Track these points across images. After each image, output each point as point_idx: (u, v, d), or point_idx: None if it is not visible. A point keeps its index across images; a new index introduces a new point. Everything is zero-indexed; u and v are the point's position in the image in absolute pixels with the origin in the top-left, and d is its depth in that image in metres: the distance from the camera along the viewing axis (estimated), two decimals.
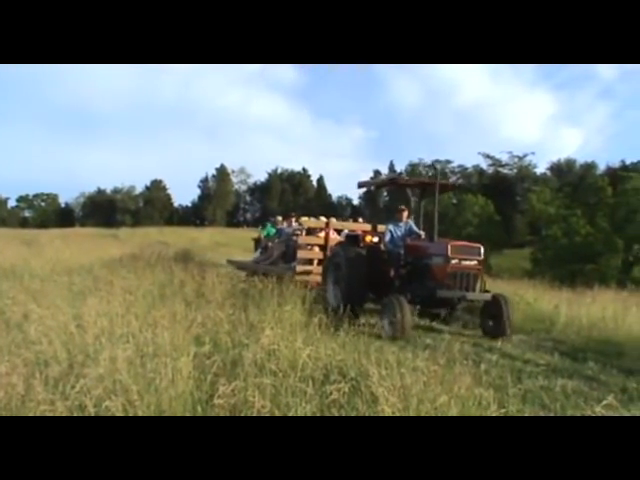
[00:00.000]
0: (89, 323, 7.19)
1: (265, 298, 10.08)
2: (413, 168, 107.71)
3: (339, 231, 16.58)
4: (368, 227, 15.24)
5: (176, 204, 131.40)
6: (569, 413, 6.29)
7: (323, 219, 17.39)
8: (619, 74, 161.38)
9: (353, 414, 5.10)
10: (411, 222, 13.14)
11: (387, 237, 12.83)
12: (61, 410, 4.73)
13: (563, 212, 53.80)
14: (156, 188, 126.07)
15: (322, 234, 15.85)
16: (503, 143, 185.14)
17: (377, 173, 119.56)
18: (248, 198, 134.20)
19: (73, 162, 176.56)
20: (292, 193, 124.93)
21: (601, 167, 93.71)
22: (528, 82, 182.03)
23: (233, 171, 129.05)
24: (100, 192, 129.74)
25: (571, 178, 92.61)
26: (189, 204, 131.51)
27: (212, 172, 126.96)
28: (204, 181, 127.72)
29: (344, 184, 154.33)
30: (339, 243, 14.23)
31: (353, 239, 13.81)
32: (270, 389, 5.26)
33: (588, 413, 5.48)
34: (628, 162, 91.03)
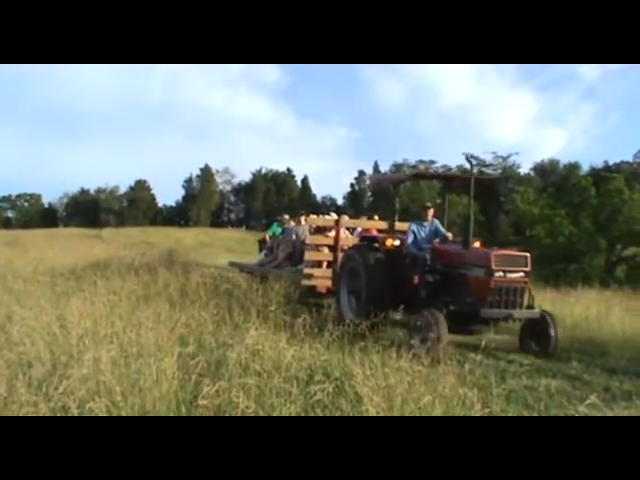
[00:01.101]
0: (73, 324, 7.17)
1: (249, 298, 10.07)
2: (397, 169, 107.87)
3: (351, 230, 15.08)
4: (383, 225, 13.90)
5: (160, 204, 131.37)
6: (553, 413, 6.32)
7: (333, 216, 15.52)
8: (602, 75, 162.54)
9: (337, 414, 5.10)
10: (437, 222, 11.53)
11: (410, 239, 11.17)
12: (44, 411, 4.71)
13: (547, 212, 53.92)
14: (140, 188, 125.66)
15: (332, 233, 13.97)
16: (487, 143, 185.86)
17: (361, 173, 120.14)
18: (232, 198, 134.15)
19: (56, 162, 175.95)
20: (276, 193, 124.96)
21: (585, 168, 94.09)
22: (512, 83, 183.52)
23: (217, 171, 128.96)
24: (84, 192, 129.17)
25: (555, 178, 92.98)
26: (173, 204, 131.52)
27: (196, 172, 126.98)
28: (188, 181, 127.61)
29: (328, 184, 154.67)
30: (354, 246, 12.50)
31: (371, 241, 12.10)
32: (254, 390, 5.26)
33: (572, 412, 5.50)
34: (611, 163, 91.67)
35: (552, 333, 9.99)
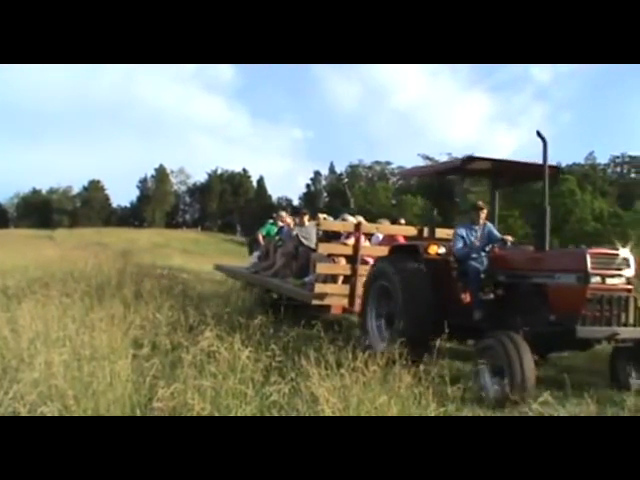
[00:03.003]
0: (24, 327, 7.05)
1: (204, 299, 10.02)
2: (353, 169, 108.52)
3: (369, 235, 12.11)
4: (412, 231, 11.82)
5: (114, 205, 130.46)
6: (506, 411, 6.40)
7: (350, 218, 12.73)
8: (553, 77, 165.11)
9: (293, 415, 5.10)
10: (490, 225, 9.45)
11: (458, 245, 9.08)
12: None
13: (501, 213, 54.69)
14: (94, 188, 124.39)
15: (350, 240, 11.41)
16: (442, 144, 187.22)
17: (317, 174, 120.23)
18: (187, 199, 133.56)
19: (7, 162, 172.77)
20: (232, 194, 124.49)
21: None
22: (465, 83, 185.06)
23: (172, 172, 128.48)
24: (35, 192, 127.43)
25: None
26: (128, 205, 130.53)
27: (151, 172, 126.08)
28: (143, 181, 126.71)
29: (284, 184, 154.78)
30: (385, 257, 9.99)
31: (407, 250, 9.70)
32: (210, 391, 5.23)
33: (525, 410, 5.56)
34: (564, 164, 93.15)
35: None
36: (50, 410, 4.67)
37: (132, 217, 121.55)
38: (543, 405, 5.41)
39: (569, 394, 7.08)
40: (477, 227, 9.28)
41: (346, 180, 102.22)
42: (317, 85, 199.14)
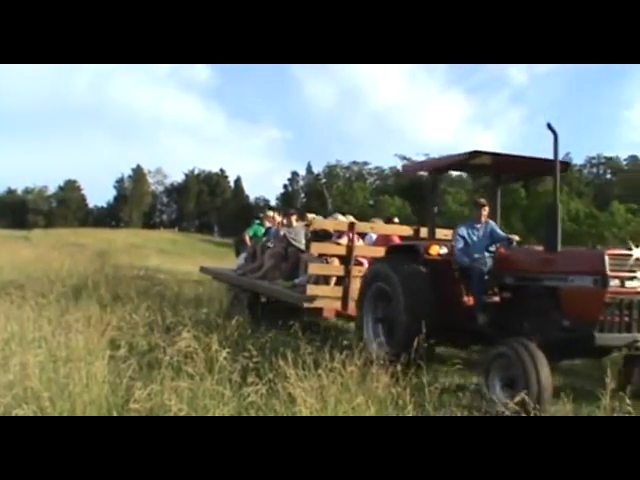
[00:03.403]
0: None
1: (181, 300, 9.99)
2: (331, 170, 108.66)
3: (361, 235, 11.44)
4: (408, 231, 11.24)
5: (91, 205, 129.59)
6: (483, 411, 6.44)
7: (341, 217, 12.49)
8: (530, 79, 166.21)
9: (271, 415, 5.10)
10: (492, 223, 8.92)
11: (459, 245, 8.57)
12: None
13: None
14: (70, 188, 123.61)
15: (343, 240, 10.92)
16: (419, 145, 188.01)
17: (295, 174, 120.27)
18: (165, 199, 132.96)
19: None
20: (209, 194, 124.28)
21: None
22: (442, 85, 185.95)
23: (149, 172, 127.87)
24: (10, 192, 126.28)
25: (486, 180, 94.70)
26: (104, 205, 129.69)
27: (128, 172, 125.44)
28: (120, 182, 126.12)
29: (261, 185, 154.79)
30: (382, 258, 9.54)
31: (406, 250, 9.16)
32: (187, 392, 5.22)
33: (501, 411, 5.58)
34: None
35: None
36: (25, 412, 4.64)
37: (109, 217, 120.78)
38: (519, 405, 5.44)
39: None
40: (479, 226, 8.77)
41: (324, 180, 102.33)
42: (294, 85, 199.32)
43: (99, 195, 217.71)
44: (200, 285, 16.23)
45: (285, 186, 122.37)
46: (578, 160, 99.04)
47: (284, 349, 6.88)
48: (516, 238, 8.51)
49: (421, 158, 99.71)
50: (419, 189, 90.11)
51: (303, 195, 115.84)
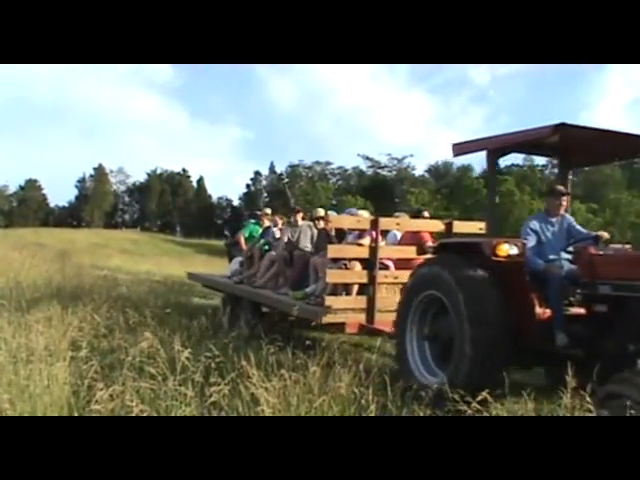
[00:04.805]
0: None
1: (144, 300, 9.95)
2: (293, 169, 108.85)
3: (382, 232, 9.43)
4: (439, 226, 9.53)
5: (52, 204, 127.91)
6: (445, 410, 6.50)
7: (363, 213, 10.47)
8: (492, 80, 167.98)
9: (233, 415, 5.11)
10: (569, 217, 7.30)
11: (530, 243, 6.84)
12: None
13: (441, 213, 55.35)
14: (31, 188, 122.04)
15: (365, 240, 9.18)
16: (382, 145, 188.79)
17: (257, 174, 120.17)
18: (127, 199, 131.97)
19: None
20: (171, 194, 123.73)
21: (477, 170, 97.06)
22: (403, 86, 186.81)
23: (111, 171, 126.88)
24: None
25: (448, 180, 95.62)
26: (66, 204, 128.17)
27: (90, 172, 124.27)
28: (81, 181, 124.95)
29: (223, 185, 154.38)
30: (433, 260, 7.43)
31: (462, 250, 7.13)
32: (149, 393, 5.21)
33: (464, 409, 5.64)
34: (503, 165, 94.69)
35: None
36: None
37: (70, 217, 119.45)
38: (482, 403, 5.48)
39: (507, 392, 7.20)
40: (554, 220, 7.15)
41: (286, 180, 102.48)
42: (257, 85, 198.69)
43: (60, 194, 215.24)
44: (162, 284, 16.18)
45: (248, 186, 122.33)
46: (540, 160, 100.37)
47: (247, 349, 6.90)
48: (606, 235, 6.85)
49: (384, 158, 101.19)
50: (380, 189, 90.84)
51: (266, 195, 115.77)
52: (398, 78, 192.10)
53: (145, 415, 4.75)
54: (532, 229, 6.97)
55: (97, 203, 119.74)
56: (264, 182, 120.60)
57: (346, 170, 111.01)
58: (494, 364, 6.15)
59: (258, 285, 10.99)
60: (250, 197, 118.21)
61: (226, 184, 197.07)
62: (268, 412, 4.90)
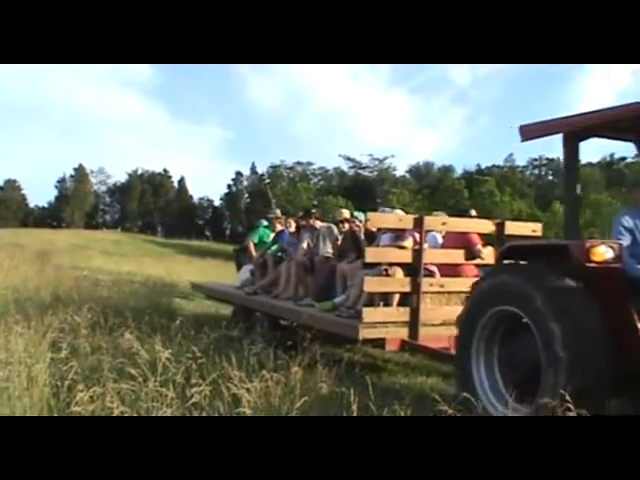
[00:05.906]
0: None
1: (124, 300, 9.90)
2: (275, 170, 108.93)
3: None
4: (489, 227, 8.23)
5: (32, 205, 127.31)
6: (427, 410, 6.51)
7: (399, 212, 9.34)
8: (473, 80, 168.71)
9: (215, 416, 5.10)
10: None
11: (626, 241, 5.51)
12: None
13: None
14: (10, 188, 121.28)
15: (407, 242, 8.16)
16: (364, 145, 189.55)
17: (238, 174, 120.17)
18: (107, 199, 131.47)
19: None
20: (152, 194, 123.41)
21: (458, 171, 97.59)
22: (385, 86, 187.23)
23: (92, 171, 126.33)
24: None
25: (429, 181, 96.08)
26: (45, 205, 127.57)
27: (70, 172, 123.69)
28: (61, 181, 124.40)
29: (204, 185, 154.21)
30: (507, 266, 6.09)
31: (543, 253, 5.87)
32: (130, 394, 5.19)
33: (444, 408, 5.65)
34: (483, 166, 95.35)
35: None
36: None
37: (50, 218, 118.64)
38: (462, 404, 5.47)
39: None
40: None
41: (268, 180, 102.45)
42: (238, 85, 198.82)
43: (40, 195, 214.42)
44: (143, 286, 16.11)
45: (229, 186, 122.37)
46: (521, 161, 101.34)
47: (227, 350, 6.89)
48: None
49: (365, 158, 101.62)
50: (361, 189, 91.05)
51: (247, 195, 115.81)
52: (380, 78, 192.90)
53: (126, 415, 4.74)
54: (625, 226, 5.66)
55: (77, 204, 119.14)
56: (245, 182, 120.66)
57: (327, 170, 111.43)
58: (597, 396, 4.91)
59: (277, 295, 10.00)
60: (231, 197, 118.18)
61: (207, 184, 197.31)
62: (249, 412, 4.90)
